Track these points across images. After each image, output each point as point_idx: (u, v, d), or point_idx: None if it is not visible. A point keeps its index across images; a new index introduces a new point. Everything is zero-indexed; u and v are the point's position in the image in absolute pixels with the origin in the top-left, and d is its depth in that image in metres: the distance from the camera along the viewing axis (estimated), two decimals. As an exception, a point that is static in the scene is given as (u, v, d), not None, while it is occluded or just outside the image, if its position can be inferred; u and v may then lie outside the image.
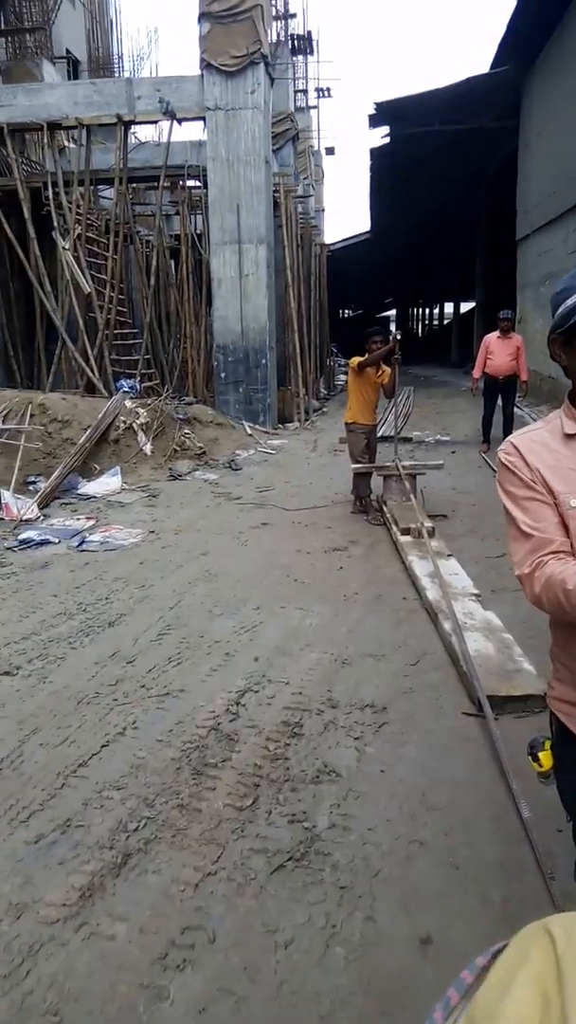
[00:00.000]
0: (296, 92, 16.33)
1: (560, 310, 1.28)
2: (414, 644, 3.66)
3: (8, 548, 5.64)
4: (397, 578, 4.61)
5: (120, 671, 3.50)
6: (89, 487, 7.73)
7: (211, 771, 2.66)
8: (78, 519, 6.52)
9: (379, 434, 6.78)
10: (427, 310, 43.87)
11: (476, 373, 8.72)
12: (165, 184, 11.56)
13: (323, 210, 21.42)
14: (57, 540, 5.83)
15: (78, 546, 5.68)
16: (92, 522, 6.39)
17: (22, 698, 3.28)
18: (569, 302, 1.25)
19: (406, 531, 5.02)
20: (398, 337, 5.95)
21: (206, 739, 2.86)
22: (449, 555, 4.60)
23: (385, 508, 5.85)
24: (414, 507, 5.40)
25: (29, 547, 5.68)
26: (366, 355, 6.00)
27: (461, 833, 2.32)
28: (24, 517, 6.48)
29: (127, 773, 2.67)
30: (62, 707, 3.19)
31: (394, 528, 5.27)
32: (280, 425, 11.94)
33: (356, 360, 6.10)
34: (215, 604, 4.31)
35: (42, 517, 6.59)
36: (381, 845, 2.28)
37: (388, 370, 6.12)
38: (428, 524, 5.00)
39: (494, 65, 12.61)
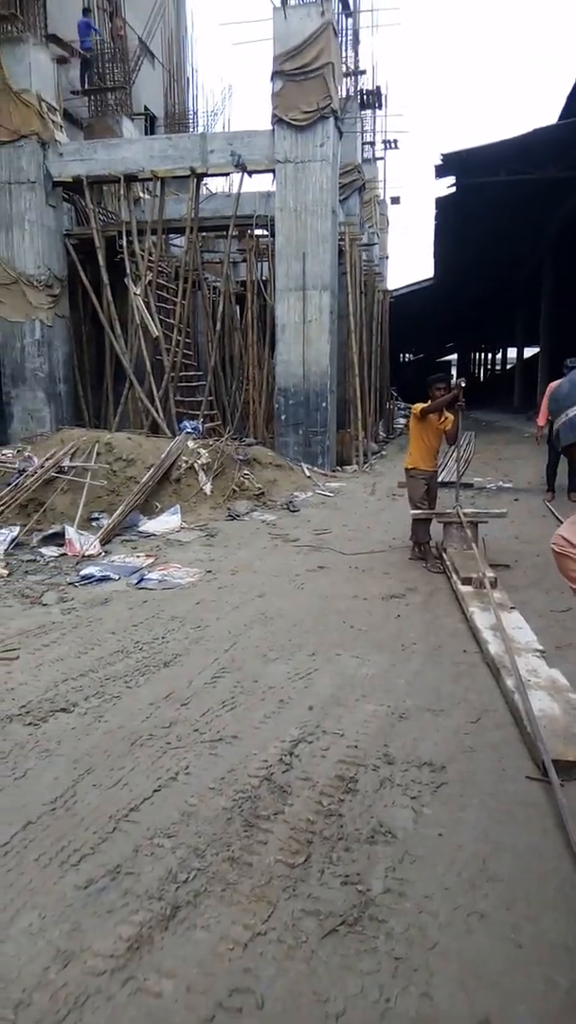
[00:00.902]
0: (364, 144, 16.74)
1: (563, 426, 1.25)
2: (475, 700, 3.54)
3: (70, 583, 5.76)
4: (457, 629, 4.50)
5: (174, 713, 3.49)
6: (149, 525, 7.85)
7: (263, 824, 2.60)
8: (138, 556, 6.62)
9: (440, 480, 6.70)
10: (490, 355, 43.67)
11: (540, 420, 8.59)
12: (234, 233, 11.93)
13: (387, 257, 21.71)
14: (117, 577, 5.92)
15: (137, 583, 5.75)
16: (151, 560, 6.48)
17: (77, 736, 3.29)
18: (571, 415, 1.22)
19: (467, 580, 4.91)
20: (462, 384, 5.91)
21: (258, 789, 2.81)
22: (512, 607, 4.46)
23: (445, 556, 5.75)
24: (475, 556, 5.28)
25: (90, 583, 5.78)
26: (429, 401, 5.98)
27: (524, 907, 2.20)
28: (86, 553, 6.62)
29: (178, 820, 2.63)
30: (116, 748, 3.19)
31: (454, 577, 5.16)
32: (339, 468, 11.96)
33: (419, 406, 6.08)
34: (270, 648, 4.28)
35: (103, 553, 6.72)
36: (439, 915, 2.17)
37: (451, 417, 6.07)
38: (490, 574, 4.88)
39: (562, 116, 12.69)
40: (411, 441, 6.30)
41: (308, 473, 10.60)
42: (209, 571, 6.09)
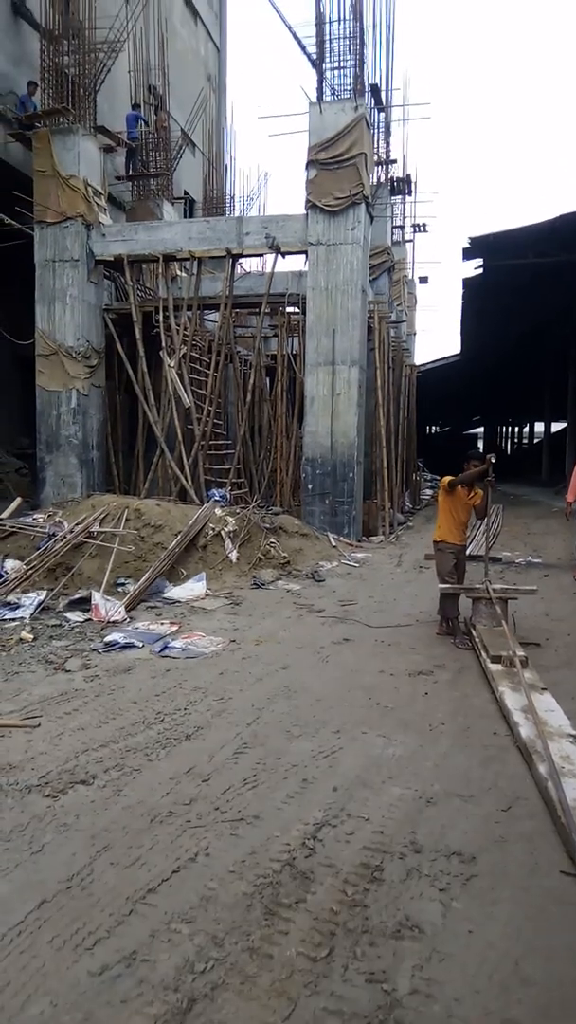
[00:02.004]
0: (394, 227, 17.40)
1: None
2: (505, 786, 3.41)
3: (94, 650, 5.74)
4: (487, 710, 4.38)
5: (195, 789, 3.41)
6: (175, 592, 7.86)
7: (284, 912, 2.50)
8: (162, 624, 6.60)
9: (468, 553, 6.65)
10: (516, 428, 43.91)
11: (570, 496, 8.57)
12: (266, 310, 12.34)
13: (415, 333, 22.24)
14: (141, 644, 5.90)
15: (160, 651, 5.72)
16: (175, 627, 6.46)
17: (96, 811, 3.23)
18: None
19: (496, 659, 4.81)
20: (493, 460, 5.93)
21: (280, 875, 2.71)
22: (543, 688, 4.35)
23: (474, 632, 5.66)
24: (505, 633, 5.19)
25: (114, 650, 5.76)
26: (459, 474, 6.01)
27: (561, 1016, 2.07)
28: (111, 619, 6.63)
29: (196, 905, 2.54)
30: (135, 824, 3.11)
31: (483, 655, 5.06)
32: (365, 538, 11.95)
33: (448, 479, 6.11)
34: (294, 724, 4.19)
35: (128, 619, 6.72)
36: (469, 1021, 2.05)
37: (480, 492, 6.08)
38: (520, 653, 4.78)
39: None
40: (440, 514, 6.30)
41: (334, 543, 10.60)
42: (233, 640, 6.05)
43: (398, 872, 2.73)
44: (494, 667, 4.75)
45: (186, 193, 18.81)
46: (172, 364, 11.69)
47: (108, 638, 5.99)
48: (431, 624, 6.36)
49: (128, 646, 5.85)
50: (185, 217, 17.92)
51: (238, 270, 12.84)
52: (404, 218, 18.83)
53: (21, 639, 5.94)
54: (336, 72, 11.59)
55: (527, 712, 3.95)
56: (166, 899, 2.58)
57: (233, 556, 8.86)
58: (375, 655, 5.56)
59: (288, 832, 3.02)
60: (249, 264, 15.70)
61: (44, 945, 2.34)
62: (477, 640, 5.41)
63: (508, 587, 6.18)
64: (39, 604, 6.95)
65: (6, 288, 13.04)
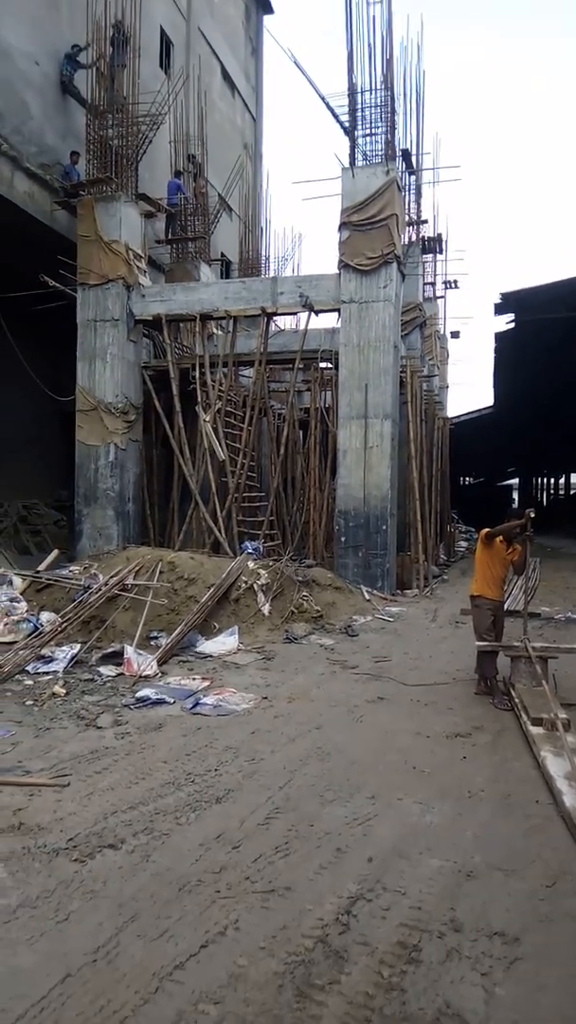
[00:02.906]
0: (425, 284, 17.68)
1: None
2: (550, 859, 3.24)
3: (126, 705, 5.70)
4: (528, 775, 4.21)
5: (225, 856, 3.31)
6: (207, 646, 7.81)
7: (317, 994, 2.38)
8: (194, 679, 6.54)
9: (505, 608, 6.50)
10: (552, 479, 43.46)
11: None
12: (299, 366, 12.55)
13: (447, 387, 22.32)
14: (172, 700, 5.84)
15: (192, 708, 5.65)
16: (207, 683, 6.39)
17: (124, 877, 3.15)
18: None
19: (538, 721, 4.64)
20: (532, 515, 5.83)
21: (312, 952, 2.59)
22: (587, 754, 4.16)
23: (513, 692, 5.48)
24: (546, 694, 5.02)
25: (145, 706, 5.71)
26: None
27: None
28: (143, 673, 6.59)
29: (225, 983, 2.43)
30: (163, 892, 3.02)
31: (523, 716, 4.89)
32: (399, 591, 11.80)
33: (485, 531, 6.02)
34: (327, 788, 4.07)
35: (160, 674, 6.67)
36: None
37: (519, 548, 5.98)
38: (563, 715, 4.61)
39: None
40: (477, 568, 6.19)
41: (367, 596, 10.47)
42: (265, 697, 5.96)
43: (437, 953, 2.59)
44: (535, 730, 4.58)
45: (223, 255, 19.43)
46: (207, 419, 11.88)
47: (140, 693, 5.95)
48: (469, 683, 6.19)
49: (159, 702, 5.79)
50: (221, 277, 18.47)
51: (272, 328, 13.10)
52: (435, 275, 19.12)
53: (54, 694, 5.93)
54: (367, 138, 11.98)
55: (571, 779, 3.78)
56: (194, 976, 2.48)
57: (266, 609, 8.81)
58: (411, 715, 5.41)
59: (321, 906, 2.90)
60: (283, 322, 16.03)
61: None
62: (517, 701, 5.24)
63: (548, 645, 6.00)
64: (72, 658, 6.96)
65: (48, 347, 13.50)
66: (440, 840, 3.46)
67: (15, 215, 11.76)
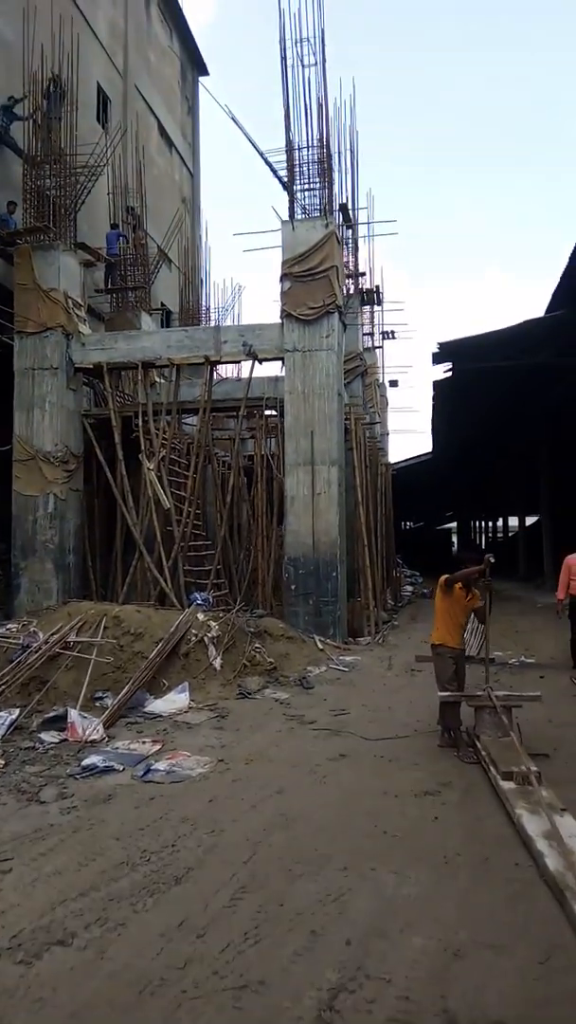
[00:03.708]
0: (364, 335, 18.02)
1: None
2: (539, 931, 3.05)
3: (71, 775, 5.29)
4: (503, 835, 4.02)
5: (189, 948, 2.99)
6: (156, 705, 7.43)
7: None
8: (143, 742, 6.17)
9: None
10: (490, 523, 44.43)
11: (560, 595, 8.45)
12: (243, 413, 12.49)
13: (387, 434, 22.70)
14: (121, 767, 5.46)
15: (143, 775, 5.28)
16: (158, 746, 6.03)
17: (77, 980, 2.80)
18: None
19: (508, 775, 4.48)
20: (492, 560, 5.77)
21: (296, 1062, 2.31)
22: (563, 809, 4.00)
23: (478, 743, 5.32)
24: (513, 745, 4.88)
25: (92, 774, 5.31)
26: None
27: None
28: (89, 738, 6.18)
29: None
30: (122, 997, 2.69)
31: (492, 770, 4.72)
32: (351, 639, 11.62)
33: (445, 577, 5.92)
34: (295, 860, 3.79)
35: (107, 738, 6.27)
36: None
37: (478, 593, 5.90)
38: (534, 768, 4.46)
39: (549, 309, 13.74)
40: (437, 615, 6.06)
41: (321, 646, 10.25)
42: (221, 760, 5.63)
43: (433, 1053, 2.35)
44: (506, 785, 4.42)
45: (163, 304, 19.43)
46: (151, 467, 11.63)
47: (86, 761, 5.54)
48: (431, 735, 6.00)
49: (108, 770, 5.41)
50: (162, 327, 18.41)
51: (215, 376, 13.05)
52: (373, 326, 19.56)
53: (-9, 766, 5.47)
54: (305, 193, 12.23)
55: (551, 839, 3.61)
56: None
57: (217, 663, 8.48)
58: (376, 773, 5.18)
59: (300, 1001, 2.63)
60: (224, 370, 16.01)
61: None
62: (483, 753, 5.08)
63: (511, 694, 5.87)
64: (11, 724, 6.49)
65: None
66: (420, 914, 3.22)
67: (-51, 262, 11.47)
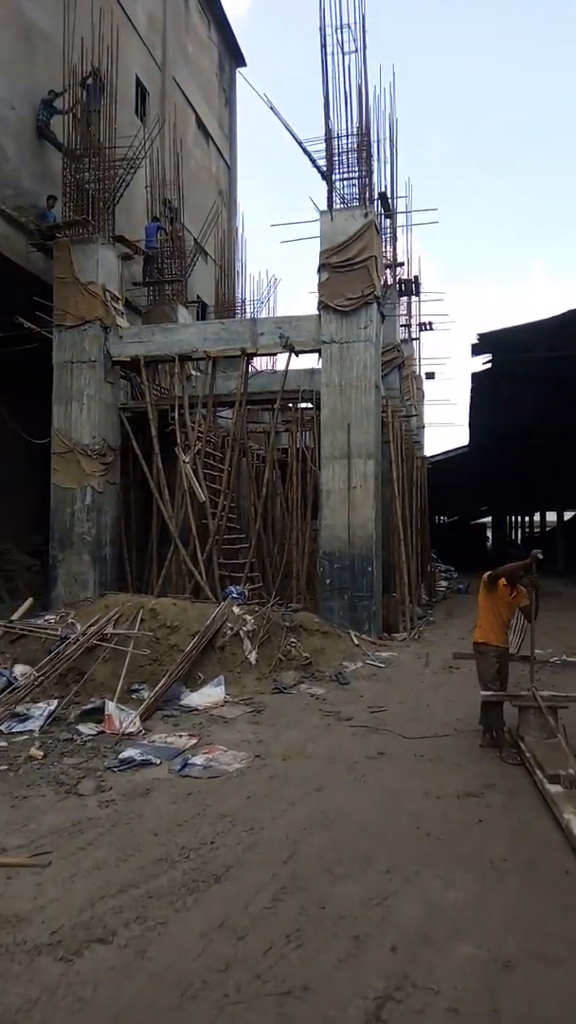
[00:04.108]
0: (401, 326, 17.79)
1: None
2: (593, 943, 2.93)
3: (109, 768, 5.29)
4: (551, 840, 3.89)
5: (230, 949, 2.94)
6: (192, 698, 7.42)
7: None
8: (180, 735, 6.15)
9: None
10: (526, 518, 43.76)
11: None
12: (279, 407, 12.41)
13: (423, 427, 22.40)
14: (158, 761, 5.44)
15: (180, 770, 5.26)
16: (195, 740, 6.00)
17: (117, 980, 2.76)
18: None
19: (555, 779, 4.34)
20: (539, 556, 5.59)
21: (343, 1074, 2.24)
22: (614, 815, 3.87)
23: (522, 745, 5.18)
24: (561, 747, 4.73)
25: (130, 768, 5.30)
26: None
27: None
28: (126, 731, 6.18)
29: None
30: (163, 999, 2.65)
31: (538, 773, 4.58)
32: (385, 634, 11.49)
33: (488, 573, 5.78)
34: (336, 861, 3.71)
35: (144, 731, 6.26)
36: None
37: (523, 591, 5.75)
38: (581, 771, 4.32)
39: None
40: (480, 613, 5.91)
41: (356, 641, 10.15)
42: (258, 755, 5.58)
43: (486, 1070, 2.25)
44: (553, 788, 4.28)
45: (199, 298, 19.42)
46: (187, 460, 11.62)
47: (123, 754, 5.54)
48: (472, 734, 5.87)
49: (145, 763, 5.39)
50: (197, 320, 18.41)
51: (250, 369, 12.98)
52: (411, 317, 19.29)
53: (30, 756, 5.49)
54: (344, 182, 12.07)
55: (603, 847, 3.48)
56: None
57: (252, 657, 8.44)
58: (416, 772, 5.08)
59: (345, 1010, 2.55)
60: (260, 363, 15.94)
61: None
62: (528, 755, 4.94)
63: (558, 694, 5.70)
64: (50, 715, 6.53)
65: (22, 389, 13.19)
66: (468, 922, 3.12)
67: (-10, 257, 11.57)
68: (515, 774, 4.96)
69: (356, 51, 11.72)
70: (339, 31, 11.73)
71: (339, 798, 4.61)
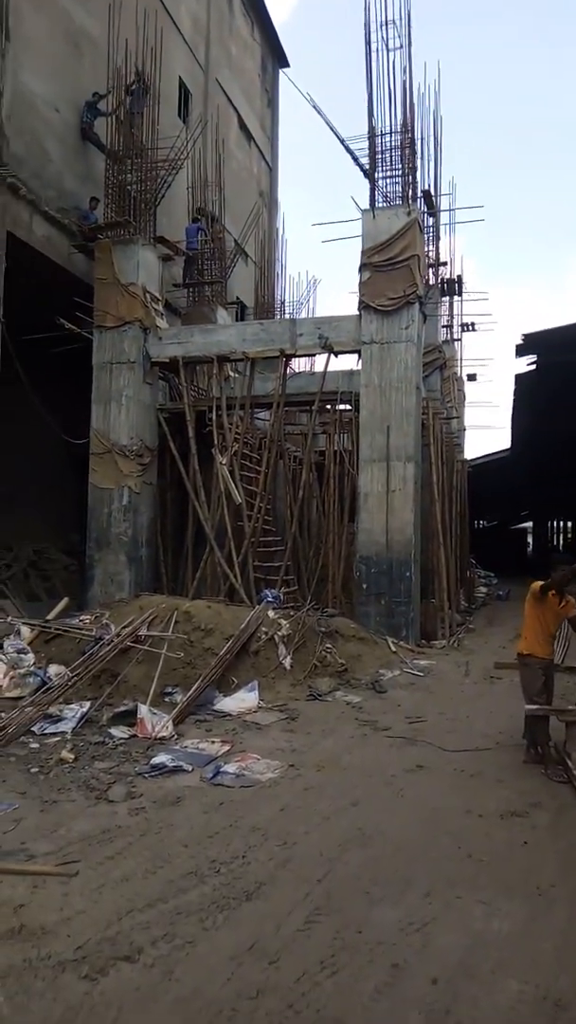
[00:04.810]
0: (443, 327, 17.49)
1: None
2: None
3: (140, 774, 5.19)
4: (603, 867, 3.67)
5: (262, 975, 2.79)
6: (225, 703, 7.30)
7: None
8: (213, 742, 6.03)
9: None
10: (568, 523, 42.84)
11: None
12: (317, 408, 12.26)
13: (464, 429, 22.02)
14: (190, 768, 5.33)
15: (212, 777, 5.14)
16: (227, 747, 5.88)
17: (143, 1002, 2.64)
18: None
19: (606, 801, 4.11)
20: None
21: None
22: None
23: (569, 762, 4.94)
24: (610, 767, 4.49)
25: (161, 774, 5.20)
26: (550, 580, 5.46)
27: None
28: (158, 735, 6.09)
29: None
30: (190, 1026, 2.51)
31: (587, 793, 4.35)
32: (423, 641, 11.24)
33: (538, 584, 5.54)
34: (373, 882, 3.54)
35: (176, 736, 6.16)
36: None
37: (572, 601, 5.50)
38: None
39: None
40: (527, 623, 5.67)
41: (394, 648, 9.92)
42: (292, 765, 5.44)
43: None
44: (604, 811, 4.04)
45: (238, 299, 19.39)
46: (224, 461, 11.54)
47: (155, 760, 5.44)
48: (515, 748, 5.63)
49: (176, 770, 5.29)
50: (236, 321, 18.38)
51: (288, 370, 12.86)
52: (453, 317, 18.96)
53: (61, 759, 5.43)
54: (386, 181, 11.89)
55: None
56: None
57: (287, 663, 8.30)
58: (457, 788, 4.87)
59: (383, 1048, 2.38)
60: (298, 364, 15.80)
61: None
62: (575, 772, 4.70)
63: (607, 709, 5.44)
64: (82, 717, 6.48)
65: (61, 390, 13.28)
66: (514, 954, 2.93)
67: (32, 258, 11.65)
68: (561, 792, 4.72)
69: (401, 47, 11.55)
70: (384, 27, 11.57)
71: (376, 813, 4.44)
